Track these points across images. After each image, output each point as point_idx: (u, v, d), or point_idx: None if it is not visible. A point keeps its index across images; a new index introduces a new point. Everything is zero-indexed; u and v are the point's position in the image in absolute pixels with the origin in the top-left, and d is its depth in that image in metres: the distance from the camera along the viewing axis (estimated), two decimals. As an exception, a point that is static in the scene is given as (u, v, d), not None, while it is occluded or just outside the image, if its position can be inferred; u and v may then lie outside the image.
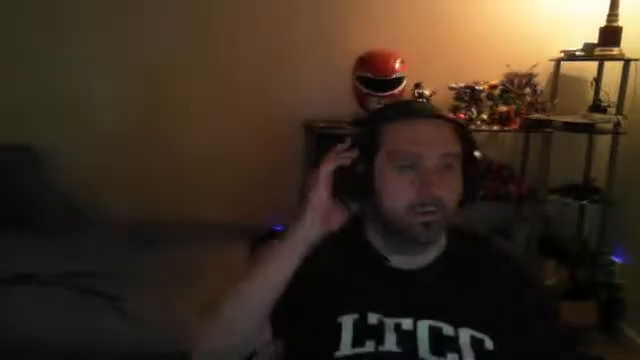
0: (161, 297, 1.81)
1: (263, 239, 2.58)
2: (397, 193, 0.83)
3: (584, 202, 2.48)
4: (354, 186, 0.84)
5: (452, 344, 0.81)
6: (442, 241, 0.92)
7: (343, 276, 0.89)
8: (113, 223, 2.58)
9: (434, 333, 0.82)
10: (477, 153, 0.89)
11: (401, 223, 0.83)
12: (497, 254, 0.95)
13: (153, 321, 1.70)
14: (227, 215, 2.66)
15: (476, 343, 0.82)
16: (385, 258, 0.89)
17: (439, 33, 2.57)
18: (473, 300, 0.86)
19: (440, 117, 0.86)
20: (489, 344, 0.82)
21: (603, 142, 2.56)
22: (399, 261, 0.89)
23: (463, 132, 0.88)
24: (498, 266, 0.92)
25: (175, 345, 1.63)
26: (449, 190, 0.83)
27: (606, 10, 2.34)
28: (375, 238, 0.92)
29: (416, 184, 0.82)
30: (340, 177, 0.84)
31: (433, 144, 0.83)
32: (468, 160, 0.88)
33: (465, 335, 0.82)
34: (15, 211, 2.40)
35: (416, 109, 0.89)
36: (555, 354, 0.88)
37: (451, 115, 0.92)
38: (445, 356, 0.79)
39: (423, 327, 0.82)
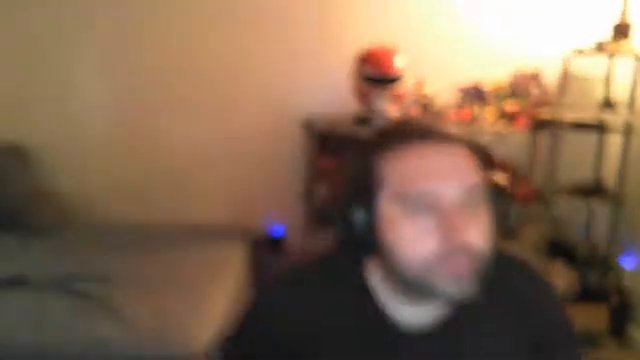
0: (157, 300, 1.80)
1: (261, 245, 2.57)
2: (413, 245, 0.65)
3: (594, 203, 2.42)
4: (356, 243, 0.69)
5: None
6: None
7: (327, 335, 0.72)
8: (108, 225, 2.58)
9: None
10: (501, 177, 0.76)
11: (424, 280, 0.65)
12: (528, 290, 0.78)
13: (149, 325, 1.69)
14: (226, 216, 2.66)
15: None
16: (393, 322, 0.72)
17: (444, 30, 2.52)
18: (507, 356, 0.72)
19: (453, 140, 0.69)
20: None
21: (614, 141, 2.49)
22: (408, 315, 0.72)
23: (482, 156, 0.72)
24: (530, 306, 0.76)
25: (171, 349, 1.63)
26: (479, 232, 0.66)
27: (618, 9, 2.28)
28: (378, 282, 0.73)
29: (437, 230, 0.64)
30: (339, 233, 0.71)
31: (451, 176, 0.66)
32: (493, 190, 0.71)
33: None
34: (5, 213, 2.40)
35: (421, 132, 0.69)
36: None
37: (465, 138, 0.73)
38: None
39: None
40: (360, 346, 0.71)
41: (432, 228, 0.64)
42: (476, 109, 2.35)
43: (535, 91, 2.39)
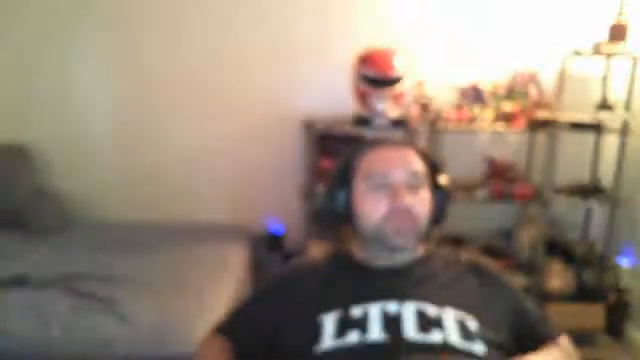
0: (157, 299, 1.80)
1: (261, 244, 2.58)
2: (372, 207, 0.97)
3: (591, 202, 2.44)
4: (338, 211, 1.02)
5: (437, 322, 0.88)
6: (420, 249, 1.05)
7: (325, 283, 0.99)
8: (109, 224, 2.58)
9: (419, 313, 0.89)
10: (444, 177, 1.04)
11: (377, 232, 0.97)
12: (470, 257, 1.07)
13: (149, 324, 1.69)
14: (226, 215, 2.67)
15: (460, 321, 0.89)
16: (365, 264, 1.01)
17: (443, 31, 2.54)
18: (452, 287, 0.97)
19: (406, 145, 1.04)
20: (472, 323, 0.90)
21: (611, 141, 2.51)
22: (379, 263, 1.00)
23: (427, 158, 1.03)
24: (472, 264, 1.04)
25: (172, 348, 1.63)
26: (418, 202, 0.97)
27: (615, 10, 2.30)
28: (356, 250, 1.05)
29: (387, 198, 0.96)
30: (324, 206, 1.05)
31: (399, 164, 0.98)
32: (435, 183, 1.03)
33: (449, 314, 0.90)
34: (8, 212, 2.40)
35: (385, 140, 1.06)
36: (539, 326, 1.00)
37: (416, 145, 1.07)
38: (430, 332, 0.86)
39: (408, 308, 0.89)
40: (342, 283, 0.98)
41: (384, 197, 0.96)
42: (475, 109, 2.36)
43: (533, 92, 2.41)
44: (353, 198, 1.00)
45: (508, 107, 2.34)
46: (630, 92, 2.36)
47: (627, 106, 2.36)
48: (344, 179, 1.02)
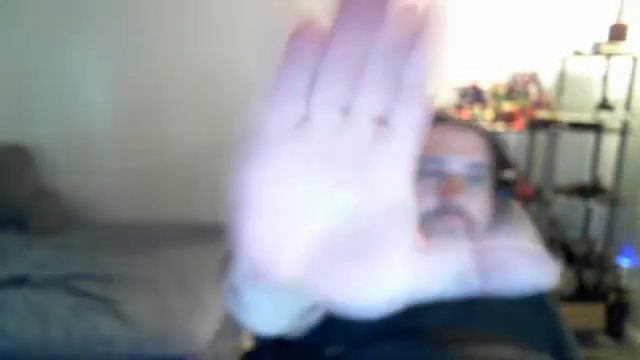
0: (158, 299, 1.80)
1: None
2: (418, 199, 0.78)
3: (591, 202, 2.44)
4: None
5: None
6: None
7: None
8: (110, 224, 2.58)
9: None
10: (510, 172, 0.85)
11: (423, 230, 0.80)
12: None
13: (150, 323, 1.69)
14: (226, 215, 2.66)
15: None
16: None
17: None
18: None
19: (470, 126, 0.81)
20: None
21: (611, 141, 2.51)
22: None
23: (495, 148, 0.82)
24: None
25: (172, 348, 1.63)
26: (475, 202, 0.75)
27: (615, 10, 2.30)
28: None
29: (437, 190, 0.74)
30: None
31: (458, 150, 0.76)
32: (499, 180, 0.82)
33: None
34: (8, 212, 2.40)
35: (445, 118, 0.83)
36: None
37: (484, 129, 0.84)
38: None
39: None
40: None
41: (434, 188, 0.74)
42: (475, 109, 2.36)
43: (533, 92, 2.41)
44: None
45: (508, 107, 2.35)
46: (630, 92, 2.36)
47: (627, 106, 2.37)
48: None
